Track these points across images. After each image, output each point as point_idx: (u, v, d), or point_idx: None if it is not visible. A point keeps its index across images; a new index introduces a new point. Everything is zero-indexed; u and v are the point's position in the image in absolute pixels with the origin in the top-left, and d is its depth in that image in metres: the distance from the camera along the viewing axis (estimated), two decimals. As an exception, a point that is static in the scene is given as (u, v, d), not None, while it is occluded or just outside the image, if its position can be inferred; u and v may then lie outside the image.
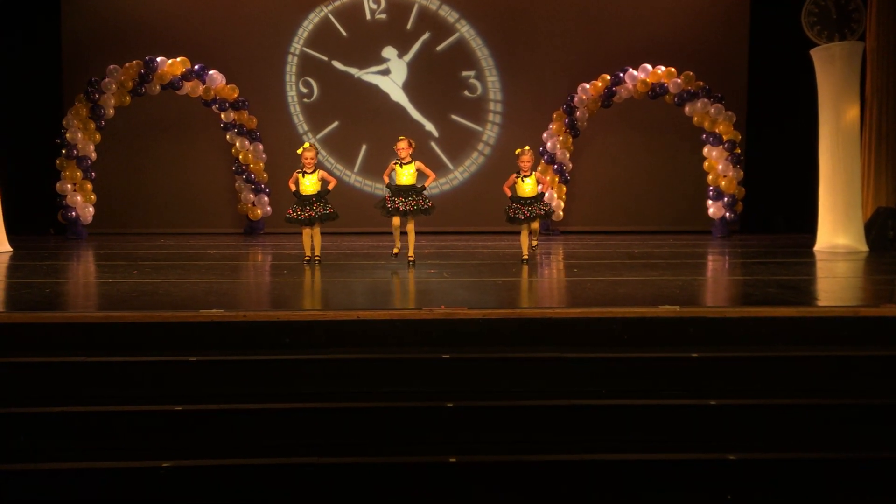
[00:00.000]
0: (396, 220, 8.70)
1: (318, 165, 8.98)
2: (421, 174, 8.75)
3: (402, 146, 8.61)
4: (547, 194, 13.68)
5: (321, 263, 8.92)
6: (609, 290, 7.08)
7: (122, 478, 4.39)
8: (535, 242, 9.00)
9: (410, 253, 8.78)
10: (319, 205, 8.77)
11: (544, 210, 8.92)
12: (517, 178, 8.76)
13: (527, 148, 8.88)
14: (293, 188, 8.83)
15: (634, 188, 14.80)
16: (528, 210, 8.74)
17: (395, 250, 8.91)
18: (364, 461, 4.52)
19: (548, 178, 9.17)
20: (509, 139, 14.43)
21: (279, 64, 14.78)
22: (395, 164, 8.66)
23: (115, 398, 4.98)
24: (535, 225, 9.03)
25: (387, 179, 8.83)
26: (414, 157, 8.72)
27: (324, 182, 8.84)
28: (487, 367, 5.26)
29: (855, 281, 8.17)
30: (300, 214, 8.76)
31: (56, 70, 14.25)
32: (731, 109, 13.60)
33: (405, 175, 8.60)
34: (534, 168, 8.95)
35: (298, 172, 8.80)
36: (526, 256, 8.95)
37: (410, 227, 8.74)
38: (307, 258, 9.02)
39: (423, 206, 8.61)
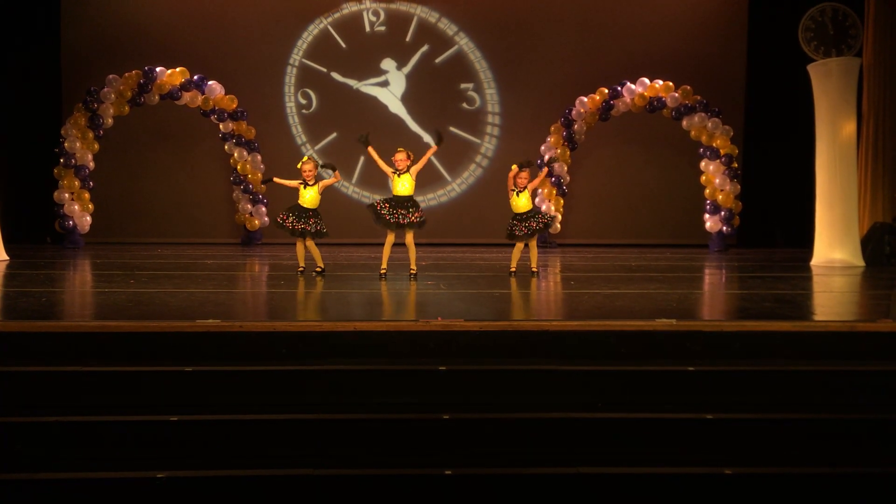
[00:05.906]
0: (391, 237, 8.70)
1: (318, 178, 9.00)
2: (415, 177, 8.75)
3: (401, 157, 8.63)
4: (545, 206, 13.73)
5: (322, 274, 8.92)
6: (606, 303, 7.09)
7: (118, 488, 4.37)
8: (534, 268, 9.04)
9: (412, 266, 8.80)
10: (316, 221, 8.79)
11: (543, 223, 8.94)
12: (513, 192, 8.80)
13: (520, 167, 8.84)
14: (292, 184, 8.90)
15: (632, 201, 14.83)
16: (526, 227, 8.77)
17: (383, 269, 8.77)
18: (360, 473, 4.51)
19: (537, 181, 9.16)
20: (507, 152, 14.45)
21: (278, 75, 14.81)
22: (394, 173, 8.65)
23: (111, 408, 4.96)
24: (533, 243, 9.02)
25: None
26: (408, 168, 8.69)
27: (320, 196, 8.88)
28: (484, 379, 5.26)
29: (851, 296, 8.19)
30: (295, 226, 8.76)
31: (55, 79, 14.25)
32: (728, 124, 13.63)
33: (402, 185, 8.61)
34: (531, 179, 8.97)
35: (300, 184, 8.84)
36: (513, 270, 8.98)
37: (410, 241, 8.73)
38: (301, 269, 9.03)
39: (417, 220, 8.60)
